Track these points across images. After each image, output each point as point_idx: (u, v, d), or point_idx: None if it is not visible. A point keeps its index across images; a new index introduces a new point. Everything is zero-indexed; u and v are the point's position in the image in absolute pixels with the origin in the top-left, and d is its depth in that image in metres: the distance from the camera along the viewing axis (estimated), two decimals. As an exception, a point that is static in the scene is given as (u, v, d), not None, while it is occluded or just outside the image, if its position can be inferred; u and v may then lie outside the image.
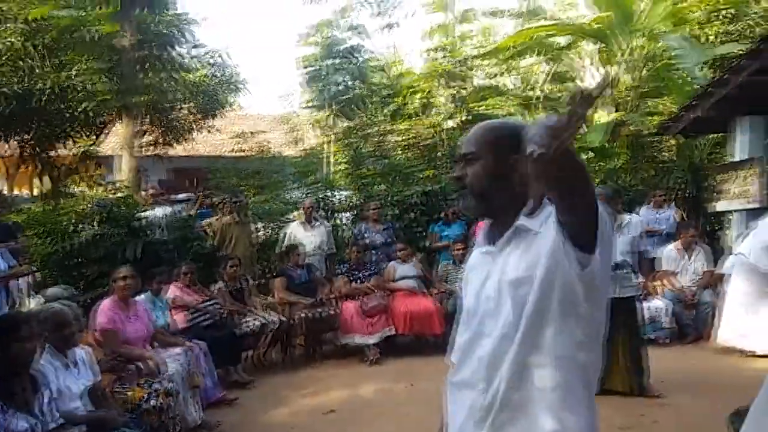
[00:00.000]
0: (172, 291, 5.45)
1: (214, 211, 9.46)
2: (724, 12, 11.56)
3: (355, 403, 4.87)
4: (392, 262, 6.73)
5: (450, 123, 12.47)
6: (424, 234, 7.82)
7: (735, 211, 7.98)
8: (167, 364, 4.15)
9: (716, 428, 4.05)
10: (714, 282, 6.80)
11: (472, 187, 1.45)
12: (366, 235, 7.12)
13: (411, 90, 12.88)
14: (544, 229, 1.37)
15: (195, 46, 11.92)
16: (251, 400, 4.95)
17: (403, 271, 6.59)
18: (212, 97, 13.10)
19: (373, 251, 7.03)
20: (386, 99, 13.06)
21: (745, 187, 7.83)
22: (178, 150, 13.75)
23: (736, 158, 8.00)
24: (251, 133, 13.57)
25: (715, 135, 10.19)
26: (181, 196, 10.27)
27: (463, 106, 12.52)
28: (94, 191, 9.81)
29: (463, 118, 12.31)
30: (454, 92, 12.42)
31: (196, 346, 4.78)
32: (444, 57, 12.53)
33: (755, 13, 11.60)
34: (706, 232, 8.75)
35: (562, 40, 12.28)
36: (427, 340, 6.49)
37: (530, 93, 12.73)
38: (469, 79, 13.14)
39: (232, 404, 4.79)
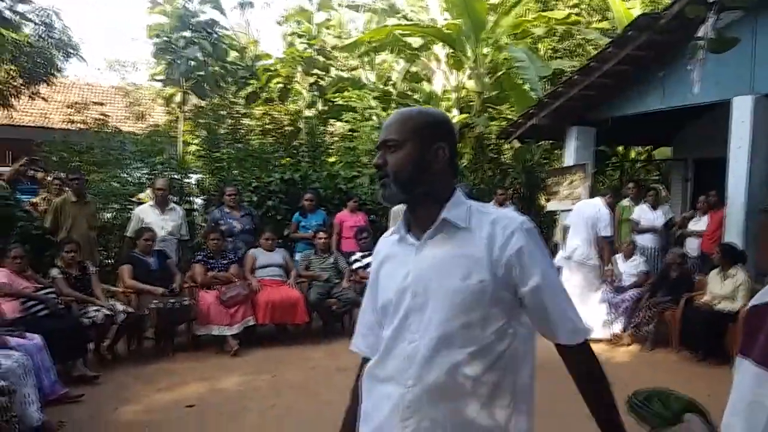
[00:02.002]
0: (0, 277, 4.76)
1: (44, 188, 8.44)
2: (557, 30, 12.84)
3: (215, 396, 4.64)
4: (252, 250, 6.51)
5: (308, 112, 12.37)
6: (285, 222, 7.69)
7: (563, 210, 8.90)
8: None
9: (558, 402, 4.52)
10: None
11: (395, 175, 1.41)
12: (222, 221, 6.79)
13: (269, 74, 12.54)
14: (474, 225, 1.39)
15: (20, 1, 10.48)
16: (99, 396, 4.49)
17: (266, 259, 6.41)
18: (39, 60, 11.62)
19: (230, 238, 6.73)
20: (242, 80, 12.57)
21: (573, 189, 8.79)
22: (-3, 117, 12.06)
23: (567, 163, 8.92)
24: (85, 104, 12.29)
25: (548, 141, 11.32)
26: (0, 169, 9.00)
27: (321, 95, 12.48)
28: None
29: (321, 108, 12.29)
30: (314, 81, 12.33)
31: (32, 339, 4.23)
32: (302, 44, 12.37)
33: (582, 36, 13.04)
34: (539, 228, 9.69)
35: (416, 41, 12.75)
36: (287, 329, 6.40)
37: (386, 89, 13.03)
38: (328, 68, 13.13)
39: (76, 401, 4.30)
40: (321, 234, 6.78)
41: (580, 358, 1.40)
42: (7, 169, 8.56)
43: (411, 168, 1.41)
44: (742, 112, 6.20)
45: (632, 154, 13.24)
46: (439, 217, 1.40)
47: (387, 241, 1.56)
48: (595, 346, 5.18)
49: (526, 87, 10.81)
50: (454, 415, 1.34)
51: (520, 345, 1.39)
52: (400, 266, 1.45)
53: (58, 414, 3.99)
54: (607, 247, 6.73)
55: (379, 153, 1.45)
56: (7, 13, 10.31)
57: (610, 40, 7.90)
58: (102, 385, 4.78)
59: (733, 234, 6.23)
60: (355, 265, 6.70)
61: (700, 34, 3.66)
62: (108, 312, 5.21)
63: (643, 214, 7.64)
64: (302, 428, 3.97)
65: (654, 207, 7.66)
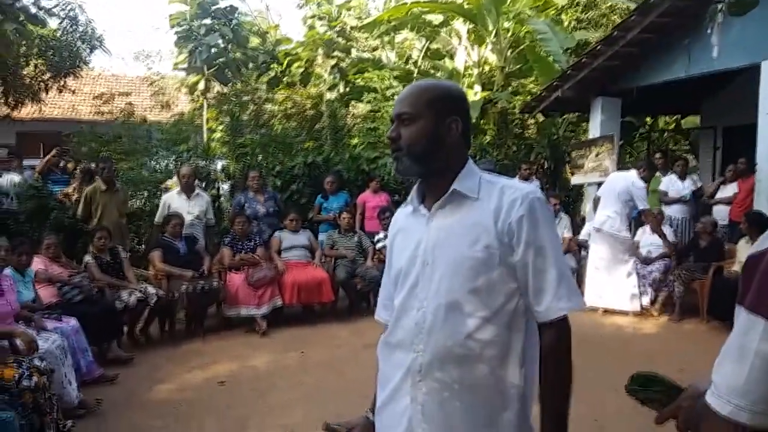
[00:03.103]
0: (36, 264, 4.93)
1: (71, 178, 8.66)
2: (580, 0, 12.55)
3: (245, 374, 4.77)
4: (278, 232, 6.61)
5: (330, 95, 12.37)
6: (309, 205, 7.78)
7: (590, 183, 8.79)
8: (38, 342, 3.77)
9: (586, 377, 4.52)
10: (573, 248, 7.51)
11: (408, 148, 1.43)
12: (247, 205, 6.90)
13: (290, 58, 12.56)
14: (483, 196, 1.41)
15: (46, -4, 10.67)
16: (133, 377, 4.66)
17: (291, 241, 6.50)
18: (65, 53, 11.83)
19: (254, 222, 6.83)
20: (264, 65, 12.62)
21: (599, 162, 8.66)
22: (27, 112, 12.33)
23: (593, 136, 8.78)
24: (112, 94, 12.51)
25: (572, 114, 11.13)
26: (32, 162, 9.26)
27: (342, 77, 12.47)
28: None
29: (342, 90, 12.28)
30: (335, 63, 12.31)
31: (68, 322, 4.40)
32: (323, 26, 12.35)
33: (606, 5, 12.73)
34: (566, 202, 9.60)
35: (436, 18, 12.61)
36: (314, 309, 6.50)
37: (407, 68, 12.95)
38: (349, 50, 13.09)
39: (112, 382, 4.47)
40: (345, 214, 6.85)
41: (549, 333, 1.38)
42: (40, 161, 8.81)
43: (425, 142, 1.43)
44: (771, 75, 6.00)
45: (660, 124, 12.95)
46: (450, 188, 1.43)
47: (402, 213, 1.60)
48: (623, 319, 5.19)
49: (550, 59, 10.61)
50: (464, 378, 1.37)
51: (529, 311, 1.40)
52: (412, 236, 1.49)
53: (95, 393, 4.15)
54: (649, 218, 6.61)
55: (393, 126, 1.47)
56: (33, 9, 10.51)
57: (634, 7, 7.72)
58: (136, 366, 4.95)
59: (763, 201, 6.08)
60: (379, 245, 6.76)
61: (720, -4, 3.57)
62: (140, 295, 5.36)
63: (671, 184, 7.50)
64: (329, 404, 4.05)
65: (682, 177, 7.51)
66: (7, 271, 4.19)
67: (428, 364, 1.39)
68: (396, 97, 1.54)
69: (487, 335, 1.37)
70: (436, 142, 1.43)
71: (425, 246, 1.43)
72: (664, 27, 6.98)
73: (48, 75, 11.90)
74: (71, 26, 11.98)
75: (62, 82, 12.10)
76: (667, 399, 1.10)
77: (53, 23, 11.76)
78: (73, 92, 12.89)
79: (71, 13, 11.88)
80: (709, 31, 4.07)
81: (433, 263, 1.41)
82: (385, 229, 6.82)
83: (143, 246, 7.76)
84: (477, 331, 1.37)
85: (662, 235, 6.60)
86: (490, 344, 1.37)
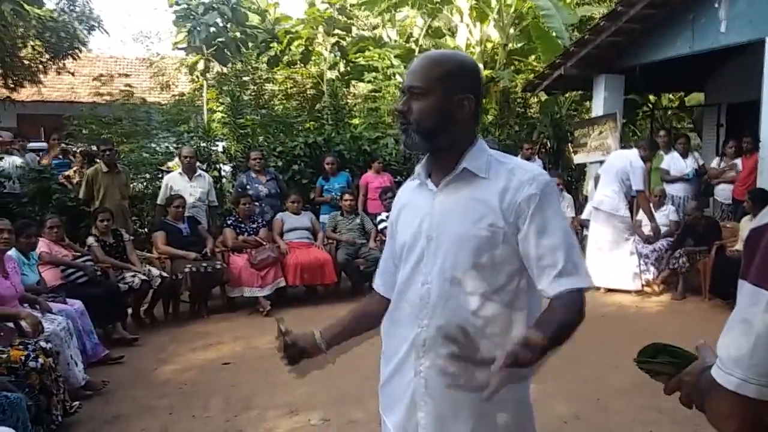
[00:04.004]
0: (39, 247, 4.94)
1: (72, 161, 8.67)
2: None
3: (249, 354, 4.80)
4: (280, 214, 6.61)
5: (331, 74, 12.28)
6: (311, 186, 7.76)
7: (592, 162, 8.75)
8: (43, 324, 3.80)
9: (588, 356, 4.56)
10: (576, 227, 7.50)
11: (418, 123, 1.40)
12: (249, 186, 6.90)
13: (290, 36, 12.44)
14: (492, 175, 1.40)
15: (42, -24, 10.57)
16: (138, 357, 4.71)
17: (293, 222, 6.51)
18: (63, 34, 11.75)
19: (256, 203, 6.83)
20: (263, 44, 12.51)
21: (602, 140, 8.61)
22: (27, 94, 12.29)
23: (596, 114, 8.72)
24: (111, 76, 12.44)
25: (575, 93, 11.05)
26: (33, 144, 9.26)
27: (343, 56, 12.36)
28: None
29: (343, 69, 12.18)
30: (335, 41, 12.20)
31: (73, 304, 4.43)
32: (323, 3, 12.21)
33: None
34: (569, 181, 9.57)
35: (437, -5, 12.43)
36: (317, 290, 6.52)
37: (408, 46, 12.82)
38: (349, 28, 12.96)
39: (118, 363, 4.52)
40: (347, 196, 6.84)
41: (558, 302, 1.31)
42: (40, 144, 8.81)
43: (435, 118, 1.39)
44: (776, 51, 5.93)
45: (664, 102, 12.84)
46: (459, 165, 1.41)
47: (407, 187, 1.59)
48: (625, 297, 5.17)
49: (554, 35, 10.49)
50: (466, 354, 1.37)
51: (532, 289, 1.41)
52: (417, 211, 1.48)
53: (100, 374, 4.20)
54: (641, 199, 6.55)
55: (404, 98, 1.43)
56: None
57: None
58: (141, 347, 5.00)
59: (767, 179, 6.05)
60: (381, 226, 6.75)
61: (726, -31, 3.51)
62: (144, 277, 5.40)
63: (673, 162, 7.46)
64: (333, 381, 4.08)
65: (684, 155, 7.47)
66: (11, 253, 4.20)
67: (432, 338, 1.40)
68: (406, 69, 1.50)
69: (490, 312, 1.38)
70: (447, 118, 1.40)
71: (430, 221, 1.43)
72: (668, 2, 6.90)
73: (46, 56, 11.84)
74: (69, 7, 11.90)
75: (61, 64, 12.04)
76: (676, 370, 1.09)
77: (50, 4, 11.68)
78: (72, 74, 12.84)
79: (69, -7, 11.81)
80: (717, 5, 4.01)
81: (437, 238, 1.41)
82: (388, 210, 6.81)
83: (146, 228, 7.78)
84: (480, 307, 1.38)
85: (650, 216, 6.54)
86: (492, 321, 1.38)
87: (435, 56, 1.49)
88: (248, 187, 6.86)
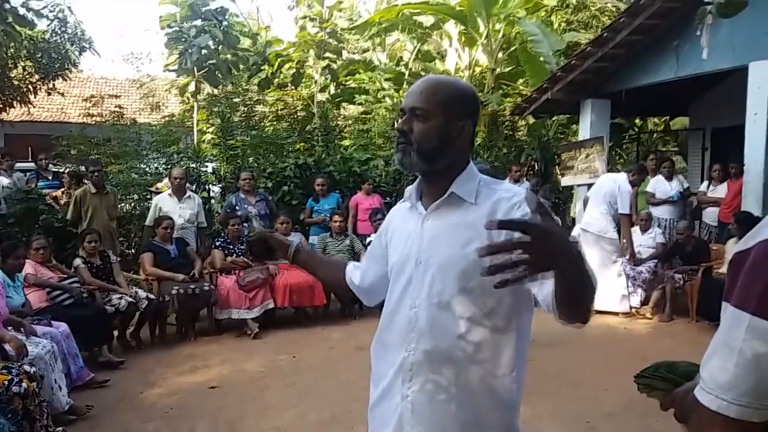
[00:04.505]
0: (25, 268, 4.89)
1: (61, 182, 8.62)
2: (570, 1, 12.63)
3: (237, 377, 4.75)
4: (269, 235, 6.59)
5: (321, 96, 12.37)
6: (301, 207, 7.77)
7: (580, 185, 8.83)
8: (27, 347, 3.74)
9: (577, 377, 4.55)
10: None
11: (419, 145, 1.41)
12: (238, 207, 6.88)
13: (281, 59, 12.55)
14: (480, 201, 1.41)
15: (33, -3, 10.57)
16: (125, 381, 4.63)
17: (282, 243, 6.48)
18: (54, 55, 11.75)
19: (246, 224, 6.82)
20: (254, 67, 12.60)
21: (589, 163, 8.71)
22: (15, 114, 12.25)
23: (583, 137, 8.83)
24: (102, 97, 12.44)
25: (562, 116, 11.19)
26: (20, 165, 9.19)
27: (333, 79, 12.47)
28: None
29: (333, 92, 12.27)
30: (326, 64, 12.31)
31: (58, 327, 4.38)
32: (314, 27, 12.35)
33: (596, 7, 12.81)
34: (556, 203, 9.65)
35: (427, 20, 12.63)
36: (306, 312, 6.49)
37: (398, 69, 12.97)
38: (340, 51, 13.09)
39: (103, 386, 4.45)
40: (336, 217, 6.84)
41: None
42: (28, 164, 8.76)
43: (436, 141, 1.41)
44: (758, 77, 6.06)
45: (649, 125, 13.04)
46: (448, 189, 1.42)
47: (399, 209, 1.61)
48: (613, 319, 5.19)
49: (541, 60, 10.66)
50: (454, 378, 1.38)
51: (521, 315, 1.41)
52: (406, 234, 1.49)
53: (86, 398, 4.13)
54: (623, 223, 6.61)
55: (404, 117, 1.45)
56: (22, 10, 10.44)
57: (624, 9, 7.77)
58: (127, 370, 4.93)
59: (752, 202, 6.14)
60: (371, 247, 6.74)
61: (708, -2, 3.61)
62: (131, 299, 5.35)
63: (658, 185, 7.55)
64: (322, 405, 4.05)
65: (669, 178, 7.57)
66: (-4, 275, 4.16)
67: (419, 363, 1.40)
68: (403, 92, 1.53)
69: (478, 337, 1.37)
70: (447, 142, 1.42)
71: (419, 245, 1.44)
72: (653, 29, 7.04)
73: (36, 77, 11.82)
74: (60, 28, 11.90)
75: (51, 84, 12.02)
76: (672, 387, 1.12)
77: (42, 25, 11.70)
78: (62, 94, 12.80)
79: (60, 15, 11.82)
80: (698, 33, 4.11)
81: (426, 262, 1.42)
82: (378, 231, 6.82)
83: (133, 250, 7.72)
84: (468, 332, 1.37)
85: (629, 241, 6.60)
86: (481, 346, 1.37)
87: (439, 80, 1.51)
88: (237, 207, 6.85)
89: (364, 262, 1.72)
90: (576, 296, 1.15)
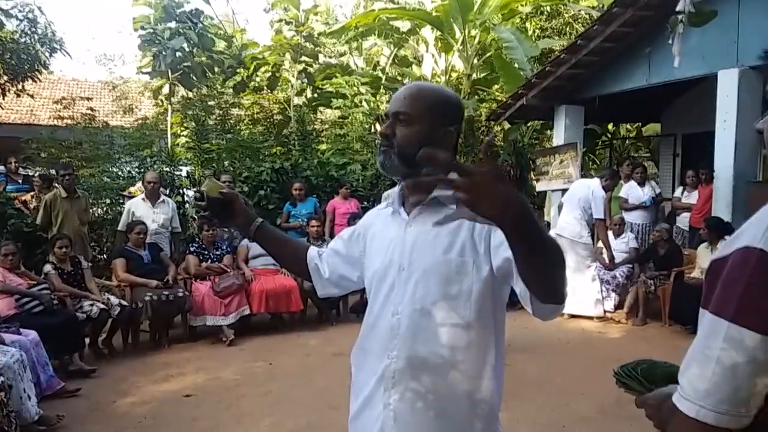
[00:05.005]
0: (-7, 275, 4.77)
1: (30, 186, 8.43)
2: (545, 9, 12.79)
3: (212, 385, 4.68)
4: (245, 240, 6.52)
5: (298, 100, 12.32)
6: (277, 212, 7.71)
7: (554, 190, 8.93)
8: (-5, 357, 3.64)
9: (552, 382, 4.59)
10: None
11: (401, 149, 1.41)
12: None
13: (257, 62, 12.47)
14: (462, 206, 1.41)
15: (2, -3, 10.36)
16: (97, 389, 4.53)
17: (259, 249, 6.42)
18: (23, 56, 11.49)
19: (226, 228, 6.75)
20: (230, 70, 12.49)
21: (563, 169, 8.81)
22: (-17, 116, 11.96)
23: (557, 143, 8.94)
24: (73, 99, 12.20)
25: (537, 122, 11.32)
26: (-10, 168, 8.96)
27: (310, 82, 12.43)
28: None
29: (310, 95, 12.23)
30: (302, 68, 12.27)
31: (27, 335, 4.26)
32: (290, 31, 12.31)
33: (569, 14, 13.00)
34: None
35: (404, 25, 12.68)
36: (282, 318, 6.43)
37: (375, 74, 12.98)
38: (316, 55, 13.06)
39: (74, 395, 4.34)
40: (313, 222, 6.81)
41: None
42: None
43: (418, 146, 1.38)
44: (727, 85, 6.21)
45: (622, 132, 13.26)
46: (430, 194, 1.42)
47: (380, 213, 1.59)
48: (587, 323, 5.24)
49: (516, 66, 10.77)
50: (436, 386, 1.37)
51: (500, 320, 1.41)
52: (389, 240, 1.48)
53: (56, 407, 4.02)
54: (599, 228, 6.71)
55: (388, 122, 1.45)
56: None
57: (597, 16, 7.90)
58: (99, 378, 4.82)
59: (722, 207, 6.27)
60: (348, 252, 6.72)
61: (679, 8, 3.68)
62: (103, 306, 5.24)
63: (631, 191, 7.68)
64: (298, 413, 4.01)
65: (641, 183, 7.70)
66: (-38, 282, 4.03)
67: (401, 371, 1.38)
68: (394, 94, 1.52)
69: (460, 343, 1.37)
70: (430, 147, 1.42)
71: (402, 251, 1.43)
72: (626, 36, 7.17)
73: (5, 78, 11.55)
74: (30, 28, 11.65)
75: (20, 86, 11.75)
76: (647, 390, 1.14)
77: (11, 25, 11.43)
78: (32, 96, 12.52)
79: (30, 15, 11.57)
80: (670, 41, 4.19)
81: (408, 268, 1.41)
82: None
83: (105, 255, 7.58)
84: (450, 338, 1.37)
85: (607, 246, 6.71)
86: (463, 352, 1.37)
87: (424, 87, 1.51)
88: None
89: (331, 255, 1.67)
90: (537, 264, 1.09)
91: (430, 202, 1.42)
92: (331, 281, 1.67)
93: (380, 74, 13.02)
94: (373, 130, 10.56)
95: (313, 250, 1.72)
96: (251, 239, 1.66)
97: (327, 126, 12.72)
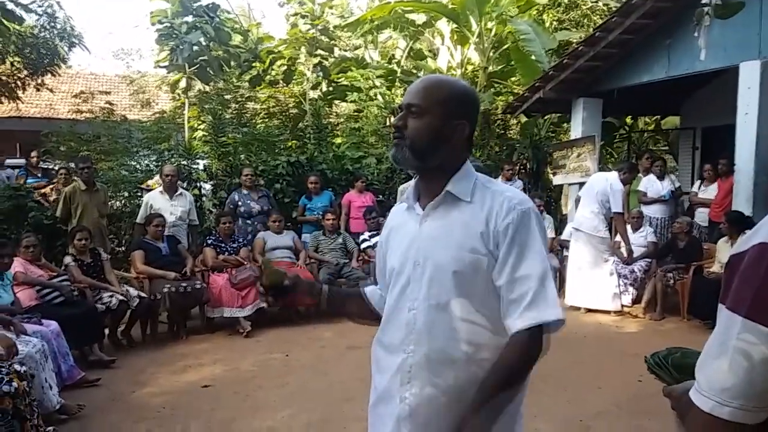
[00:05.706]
0: (14, 266, 4.83)
1: (49, 179, 8.54)
2: (562, 0, 12.65)
3: (229, 376, 4.73)
4: (261, 233, 6.57)
5: (313, 94, 12.33)
6: (293, 205, 7.75)
7: (571, 184, 8.86)
8: (17, 346, 3.70)
9: (569, 376, 4.56)
10: (555, 248, 7.57)
11: (412, 141, 1.42)
12: (241, 203, 6.87)
13: (273, 56, 12.50)
14: (476, 199, 1.41)
15: (23, -8, 10.49)
16: (116, 380, 4.60)
17: (275, 241, 6.47)
18: (43, 51, 11.65)
19: (248, 220, 6.81)
20: (246, 64, 12.54)
21: (580, 162, 8.73)
22: (3, 110, 12.12)
23: (574, 136, 8.85)
24: (92, 93, 12.34)
25: (554, 115, 11.22)
26: (10, 161, 9.11)
27: (325, 76, 12.43)
28: None
29: (325, 89, 12.24)
30: (318, 62, 12.28)
31: (48, 325, 4.34)
32: (305, 24, 12.31)
33: (587, 6, 12.85)
34: (548, 202, 9.68)
35: (419, 18, 12.62)
36: (298, 310, 6.47)
37: (390, 67, 12.95)
38: (331, 49, 13.06)
39: (94, 385, 4.40)
40: (329, 215, 6.83)
41: (515, 339, 1.34)
42: (17, 161, 8.67)
43: (429, 138, 1.41)
44: (749, 77, 6.11)
45: (640, 125, 13.10)
46: (444, 189, 1.43)
47: (397, 210, 1.60)
48: (604, 317, 5.21)
49: (533, 59, 10.67)
50: (452, 380, 1.37)
51: None
52: (405, 235, 1.49)
53: (76, 398, 4.09)
54: (618, 222, 6.64)
55: (401, 114, 1.46)
56: (10, 5, 10.33)
57: (616, 8, 7.80)
58: (118, 369, 4.89)
59: (742, 201, 6.18)
60: (364, 245, 6.74)
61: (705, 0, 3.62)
62: (122, 297, 5.31)
63: (650, 184, 7.59)
64: (314, 404, 4.04)
65: (660, 177, 7.60)
66: (-16, 273, 4.10)
67: (417, 365, 1.40)
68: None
69: (476, 338, 1.38)
70: (440, 140, 1.42)
71: (417, 246, 1.44)
72: (645, 28, 7.07)
73: (25, 73, 11.71)
74: (49, 23, 11.81)
75: (40, 80, 11.91)
76: (674, 381, 1.15)
77: (30, 20, 11.59)
78: (51, 90, 12.71)
79: (49, 10, 11.72)
80: (696, 34, 4.12)
81: (423, 264, 1.41)
82: (371, 229, 6.82)
83: (124, 247, 7.66)
84: (467, 333, 1.37)
85: (626, 239, 6.62)
86: (479, 347, 1.37)
87: (438, 79, 1.52)
88: (240, 204, 6.84)
89: (380, 283, 1.68)
90: None
91: (445, 197, 1.43)
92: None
93: (395, 67, 12.98)
94: (388, 123, 10.55)
95: (368, 290, 1.70)
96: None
97: (342, 119, 12.72)
